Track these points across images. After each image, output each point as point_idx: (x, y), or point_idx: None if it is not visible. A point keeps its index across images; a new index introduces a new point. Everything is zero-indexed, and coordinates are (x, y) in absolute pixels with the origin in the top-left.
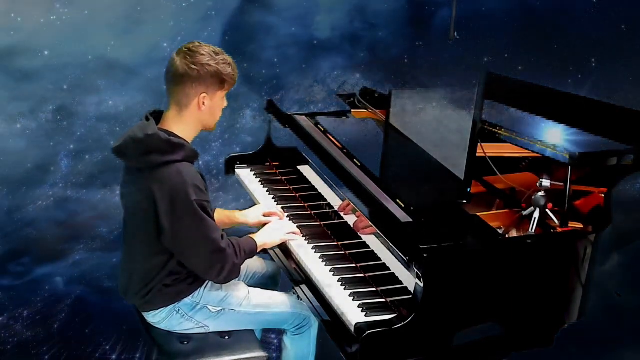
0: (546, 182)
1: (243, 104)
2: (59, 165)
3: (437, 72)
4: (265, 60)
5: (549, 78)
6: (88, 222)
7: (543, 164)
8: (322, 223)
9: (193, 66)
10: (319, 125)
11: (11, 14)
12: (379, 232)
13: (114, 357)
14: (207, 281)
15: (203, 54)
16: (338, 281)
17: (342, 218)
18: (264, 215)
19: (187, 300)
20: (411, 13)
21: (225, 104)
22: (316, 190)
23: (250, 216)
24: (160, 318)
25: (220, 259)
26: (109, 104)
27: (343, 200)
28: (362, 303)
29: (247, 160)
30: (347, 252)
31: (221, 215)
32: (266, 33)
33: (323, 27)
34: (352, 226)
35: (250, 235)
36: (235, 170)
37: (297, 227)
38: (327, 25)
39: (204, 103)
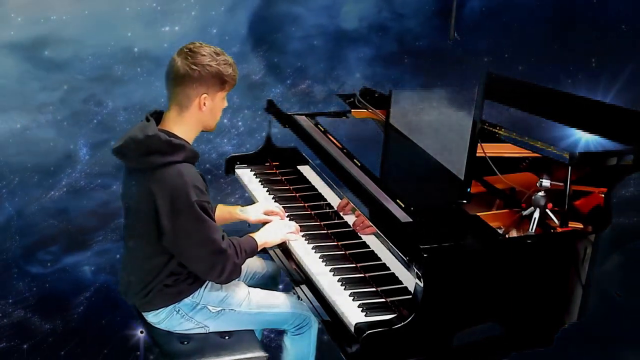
0: (546, 182)
1: (268, 93)
2: (88, 154)
3: (465, 63)
4: (291, 51)
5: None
6: (117, 211)
7: (543, 164)
8: (322, 223)
9: (194, 67)
10: (319, 125)
11: (41, 5)
12: (379, 232)
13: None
14: (207, 281)
15: (204, 55)
16: (338, 281)
17: (342, 218)
18: (265, 214)
19: (187, 300)
20: (440, 3)
21: (225, 104)
22: (316, 190)
23: (251, 212)
24: (160, 318)
25: (221, 259)
26: (136, 94)
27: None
28: (362, 303)
29: (247, 160)
30: (347, 252)
31: (222, 210)
32: (292, 23)
33: (350, 17)
34: (352, 226)
35: (251, 235)
36: (235, 170)
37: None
38: (354, 15)
39: (204, 104)
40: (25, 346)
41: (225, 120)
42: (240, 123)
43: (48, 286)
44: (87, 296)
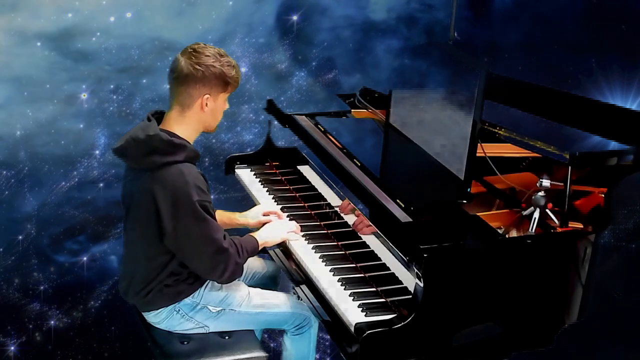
0: (546, 182)
1: (295, 84)
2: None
3: (496, 54)
4: (319, 41)
5: None
6: None
7: (543, 164)
8: (322, 223)
9: (197, 67)
10: (318, 125)
11: None
12: (379, 232)
13: None
14: (208, 281)
15: (208, 55)
16: (338, 281)
17: (342, 218)
18: (264, 215)
19: (187, 300)
20: None
21: (227, 106)
22: (316, 190)
23: (250, 216)
24: (160, 318)
25: (223, 259)
26: (163, 86)
27: (343, 200)
28: (362, 303)
29: (247, 160)
30: (347, 252)
31: (222, 217)
32: (321, 14)
33: (379, 8)
34: (352, 226)
35: (252, 234)
36: (235, 170)
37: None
38: (383, 6)
39: (206, 104)
40: (54, 331)
41: (248, 110)
42: (262, 117)
43: (75, 275)
44: (112, 284)
